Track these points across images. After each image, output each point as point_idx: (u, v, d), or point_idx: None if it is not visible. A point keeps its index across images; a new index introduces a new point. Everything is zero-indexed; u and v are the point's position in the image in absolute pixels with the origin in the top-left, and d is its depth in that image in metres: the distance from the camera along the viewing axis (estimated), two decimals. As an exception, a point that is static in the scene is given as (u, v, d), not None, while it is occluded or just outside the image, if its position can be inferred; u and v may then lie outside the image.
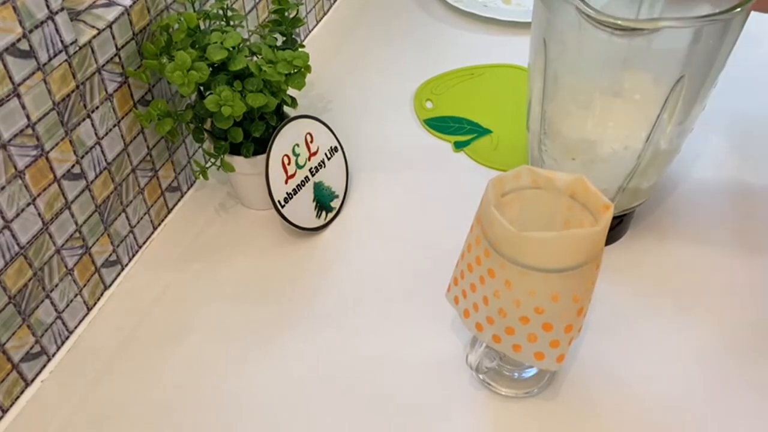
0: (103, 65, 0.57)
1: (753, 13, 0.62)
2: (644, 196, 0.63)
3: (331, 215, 0.70)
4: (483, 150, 0.78)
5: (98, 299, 0.63)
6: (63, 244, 0.57)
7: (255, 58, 0.65)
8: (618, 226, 0.66)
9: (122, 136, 0.61)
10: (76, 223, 0.58)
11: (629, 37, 0.50)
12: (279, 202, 0.65)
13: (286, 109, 0.71)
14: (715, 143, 0.77)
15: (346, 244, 0.68)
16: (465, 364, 0.56)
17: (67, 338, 0.60)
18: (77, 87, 0.55)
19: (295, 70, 0.64)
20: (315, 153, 0.69)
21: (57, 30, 0.51)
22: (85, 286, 0.61)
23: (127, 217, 0.65)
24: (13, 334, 0.54)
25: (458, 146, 0.78)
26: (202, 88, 0.64)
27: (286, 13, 0.69)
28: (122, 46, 0.59)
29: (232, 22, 0.65)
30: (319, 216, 0.69)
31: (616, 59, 0.53)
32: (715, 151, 0.76)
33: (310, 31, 0.96)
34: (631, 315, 0.61)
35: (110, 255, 0.64)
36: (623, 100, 0.56)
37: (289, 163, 0.66)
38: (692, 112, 0.57)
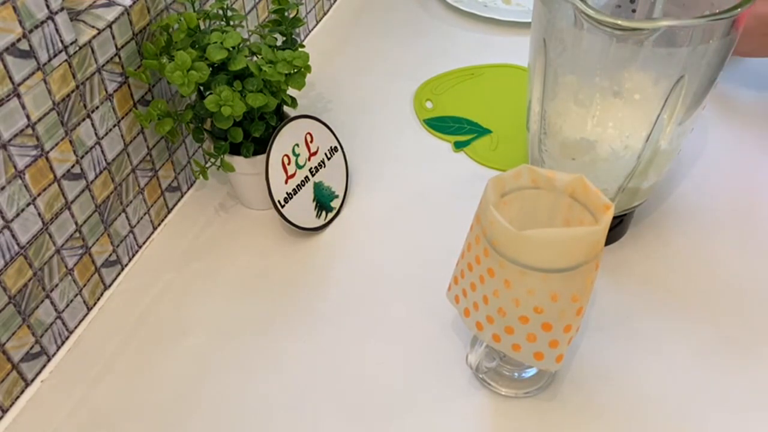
0: (103, 65, 0.57)
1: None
2: (644, 196, 0.63)
3: (331, 215, 0.70)
4: (483, 150, 0.78)
5: (98, 299, 0.63)
6: (63, 244, 0.57)
7: (255, 58, 0.65)
8: (618, 226, 0.66)
9: (122, 136, 0.61)
10: (76, 223, 0.58)
11: (629, 38, 0.50)
12: (279, 202, 0.65)
13: (286, 109, 0.71)
14: (715, 143, 0.77)
15: (346, 244, 0.68)
16: (465, 364, 0.56)
17: (67, 338, 0.60)
18: (77, 87, 0.55)
19: (295, 70, 0.64)
20: (315, 153, 0.69)
21: (57, 30, 0.51)
22: (85, 286, 0.61)
23: (127, 217, 0.65)
24: (13, 334, 0.54)
25: (458, 146, 0.78)
26: (202, 88, 0.64)
27: (286, 13, 0.69)
28: (122, 46, 0.59)
29: (232, 22, 0.65)
30: (319, 216, 0.69)
31: (616, 59, 0.53)
32: (715, 151, 0.76)
33: (310, 31, 0.96)
34: (631, 315, 0.61)
35: (110, 255, 0.64)
36: (623, 100, 0.56)
37: (289, 163, 0.66)
38: (693, 113, 0.57)
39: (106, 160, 0.60)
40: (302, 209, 0.67)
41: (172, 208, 0.72)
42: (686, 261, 0.66)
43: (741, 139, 0.78)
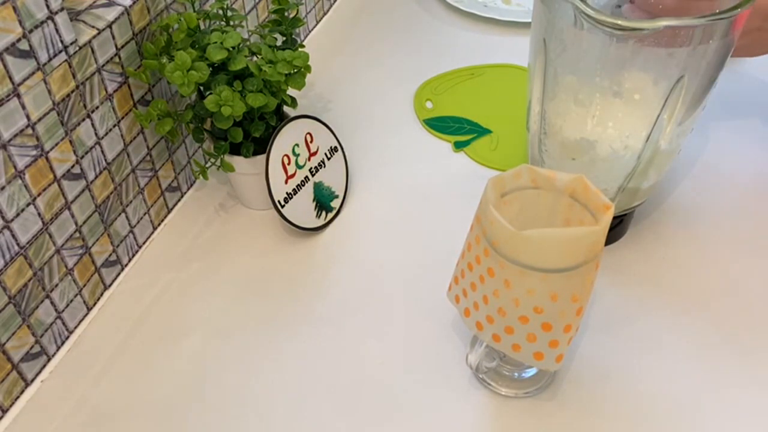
0: (103, 65, 0.57)
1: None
2: (644, 196, 0.63)
3: (331, 215, 0.70)
4: (483, 150, 0.78)
5: (98, 299, 0.63)
6: (63, 244, 0.57)
7: (255, 58, 0.65)
8: (618, 226, 0.66)
9: (122, 136, 0.61)
10: (76, 223, 0.58)
11: (629, 38, 0.50)
12: (279, 202, 0.65)
13: (286, 109, 0.71)
14: (715, 143, 0.77)
15: (346, 244, 0.68)
16: (465, 364, 0.56)
17: (67, 338, 0.60)
18: (77, 87, 0.55)
19: (295, 70, 0.64)
20: (315, 153, 0.69)
21: (57, 30, 0.51)
22: (85, 286, 0.61)
23: (127, 217, 0.65)
24: (13, 334, 0.54)
25: (458, 146, 0.78)
26: (202, 88, 0.64)
27: (286, 13, 0.69)
28: (122, 46, 0.59)
29: (232, 22, 0.65)
30: (319, 216, 0.69)
31: (616, 59, 0.53)
32: (715, 151, 0.76)
33: (310, 31, 0.96)
34: (631, 315, 0.61)
35: (110, 255, 0.64)
36: (623, 100, 0.56)
37: (289, 163, 0.66)
38: (693, 113, 0.57)
39: (106, 160, 0.60)
40: (302, 209, 0.67)
41: (172, 208, 0.72)
42: (686, 261, 0.66)
43: (741, 139, 0.78)
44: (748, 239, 0.67)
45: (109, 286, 0.64)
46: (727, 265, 0.65)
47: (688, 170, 0.74)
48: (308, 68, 0.65)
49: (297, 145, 0.66)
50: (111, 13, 0.57)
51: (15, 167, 0.51)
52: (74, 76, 0.54)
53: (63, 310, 0.59)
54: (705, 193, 0.72)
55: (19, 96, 0.49)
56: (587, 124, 0.58)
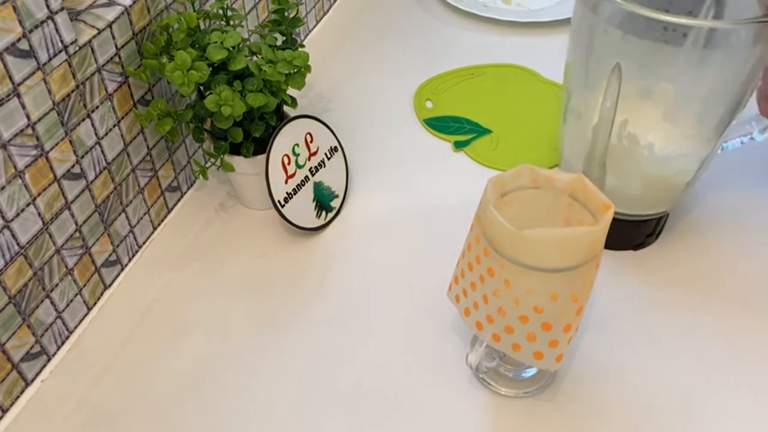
0: (103, 65, 0.57)
1: None
2: (632, 207, 0.62)
3: (331, 215, 0.70)
4: (483, 150, 0.78)
5: (98, 299, 0.63)
6: (63, 244, 0.57)
7: (255, 58, 0.65)
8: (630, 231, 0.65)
9: (122, 136, 0.61)
10: (76, 223, 0.58)
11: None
12: (279, 202, 0.65)
13: (286, 109, 0.71)
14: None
15: (346, 244, 0.68)
16: (465, 364, 0.56)
17: (67, 338, 0.60)
18: (77, 87, 0.55)
19: (295, 70, 0.64)
20: (315, 153, 0.69)
21: (57, 30, 0.51)
22: (85, 286, 0.61)
23: (127, 217, 0.65)
24: (13, 334, 0.54)
25: (458, 146, 0.78)
26: (202, 88, 0.64)
27: (286, 13, 0.69)
28: (122, 46, 0.59)
29: (232, 22, 0.65)
30: (319, 216, 0.69)
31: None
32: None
33: (310, 31, 0.96)
34: (631, 314, 0.61)
35: (110, 255, 0.64)
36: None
37: (289, 163, 0.66)
38: (667, 130, 0.56)
39: (106, 160, 0.60)
40: (302, 209, 0.67)
41: (172, 208, 0.72)
42: (687, 261, 0.65)
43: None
44: (753, 242, 0.67)
45: (109, 286, 0.64)
46: (730, 265, 0.65)
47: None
48: (308, 68, 0.65)
49: (297, 144, 0.66)
50: (111, 13, 0.57)
51: (15, 167, 0.51)
52: (74, 76, 0.54)
53: (63, 310, 0.59)
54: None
55: (19, 96, 0.49)
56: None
